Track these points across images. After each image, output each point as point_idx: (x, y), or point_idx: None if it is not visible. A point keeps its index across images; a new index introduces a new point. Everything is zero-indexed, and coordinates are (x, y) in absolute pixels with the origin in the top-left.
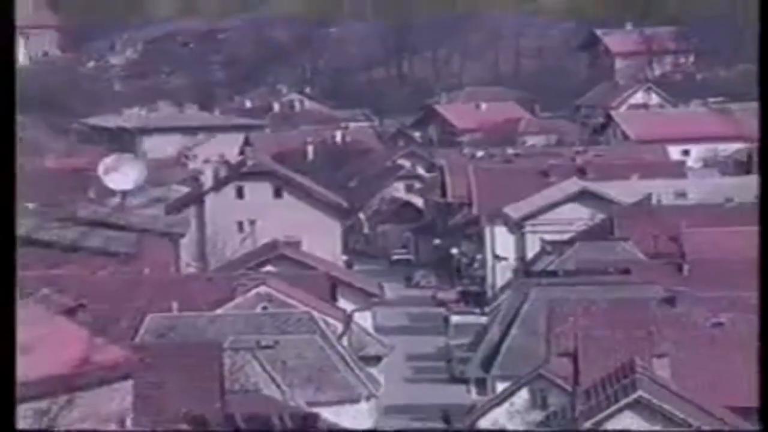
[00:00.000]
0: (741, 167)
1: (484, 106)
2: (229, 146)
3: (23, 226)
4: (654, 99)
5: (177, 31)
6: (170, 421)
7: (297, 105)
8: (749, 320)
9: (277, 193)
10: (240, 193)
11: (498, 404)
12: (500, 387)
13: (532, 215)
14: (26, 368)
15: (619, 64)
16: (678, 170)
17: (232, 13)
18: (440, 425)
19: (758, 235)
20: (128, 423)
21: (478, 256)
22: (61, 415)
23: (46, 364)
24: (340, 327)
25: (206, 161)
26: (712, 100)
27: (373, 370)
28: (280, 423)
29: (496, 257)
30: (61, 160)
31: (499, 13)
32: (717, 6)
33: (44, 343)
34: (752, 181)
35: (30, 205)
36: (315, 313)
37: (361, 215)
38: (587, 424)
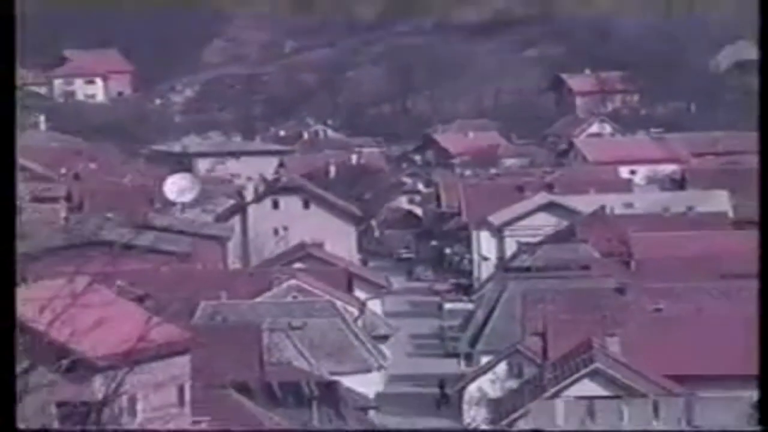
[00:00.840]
0: (676, 184)
1: (471, 134)
2: (267, 167)
3: (105, 231)
4: (607, 129)
5: (225, 76)
6: (220, 387)
7: (321, 134)
8: (683, 306)
9: (306, 205)
10: (275, 205)
11: (482, 373)
12: (484, 360)
13: (509, 222)
14: (99, 343)
15: (579, 101)
16: (626, 186)
17: (270, 61)
18: (436, 390)
19: (758, 235)
20: (186, 388)
21: (467, 255)
22: (125, 381)
23: (117, 341)
24: (355, 312)
25: (248, 179)
26: (653, 130)
27: (382, 347)
28: (308, 389)
29: (481, 256)
30: (133, 178)
31: (483, 58)
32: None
33: (117, 323)
34: (685, 194)
35: (110, 215)
36: (336, 301)
37: (373, 222)
38: (553, 390)
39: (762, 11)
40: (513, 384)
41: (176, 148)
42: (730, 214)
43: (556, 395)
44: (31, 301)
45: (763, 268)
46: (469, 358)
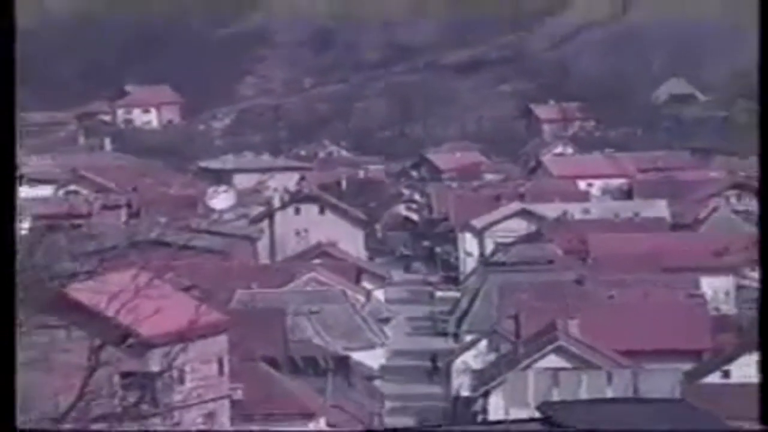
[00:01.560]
0: (624, 194)
1: (457, 154)
2: (290, 181)
3: (155, 232)
4: (569, 150)
5: (256, 106)
6: (252, 360)
7: (334, 153)
8: (631, 293)
9: (322, 211)
10: (297, 211)
11: (467, 349)
12: (468, 338)
13: (488, 226)
14: (155, 326)
15: (545, 127)
16: (584, 196)
17: (292, 94)
18: (429, 363)
19: (758, 236)
20: (225, 361)
21: (454, 253)
22: (178, 356)
23: (170, 323)
24: (363, 299)
25: (275, 190)
26: (606, 150)
27: (385, 327)
28: (323, 362)
29: (466, 253)
30: (181, 189)
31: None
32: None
33: (170, 310)
34: (632, 203)
35: (162, 219)
36: (346, 290)
37: (377, 226)
38: (525, 363)
39: (762, 11)
40: (492, 358)
41: (216, 165)
42: (668, 219)
43: (527, 367)
44: (99, 292)
45: (763, 268)
46: (456, 336)
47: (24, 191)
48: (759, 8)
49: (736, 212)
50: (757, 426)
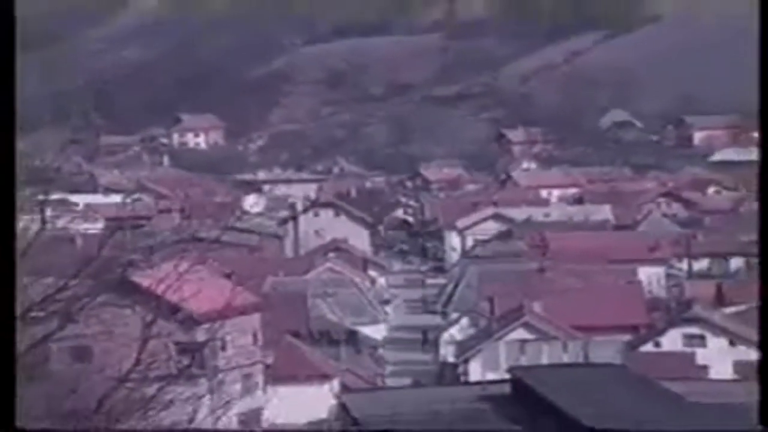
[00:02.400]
0: (577, 201)
1: (445, 169)
2: (310, 190)
3: (202, 231)
4: (533, 165)
5: (283, 131)
6: (281, 334)
7: (346, 168)
8: (581, 280)
9: (336, 214)
10: (316, 215)
11: (451, 325)
12: (454, 316)
13: (469, 226)
14: (200, 305)
15: (514, 147)
16: (545, 203)
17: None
18: (421, 336)
19: (758, 235)
20: (258, 334)
21: (441, 248)
22: (218, 331)
23: (211, 303)
24: (368, 284)
25: (298, 197)
26: (563, 166)
27: (386, 307)
28: (337, 334)
29: (451, 248)
30: (223, 197)
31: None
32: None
33: (213, 291)
34: (583, 208)
35: (208, 221)
36: (355, 278)
37: (380, 226)
38: (498, 335)
39: (762, 11)
40: (472, 332)
41: (251, 177)
42: (612, 221)
43: (499, 339)
44: (152, 277)
45: (763, 268)
46: (443, 314)
47: (100, 198)
48: (759, 8)
49: (665, 215)
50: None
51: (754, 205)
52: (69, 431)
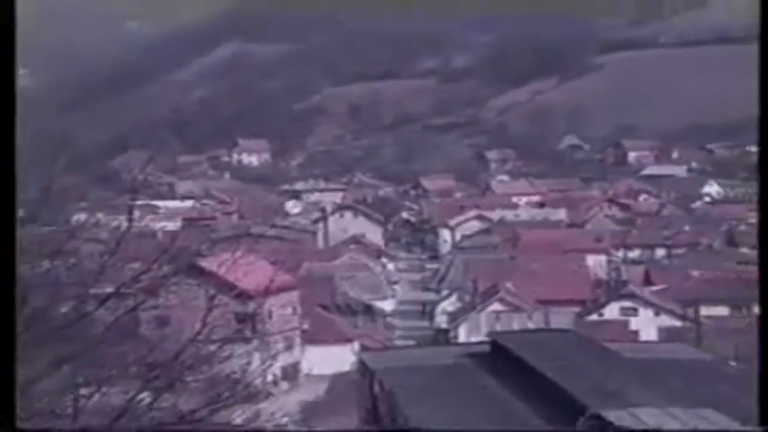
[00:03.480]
0: (540, 205)
1: (439, 180)
2: (336, 197)
3: (254, 228)
4: (506, 178)
5: (316, 152)
6: (313, 307)
7: (364, 180)
8: (543, 265)
9: (356, 216)
10: (341, 216)
11: (444, 299)
12: (445, 293)
13: (457, 225)
14: (251, 284)
15: (492, 164)
16: (515, 207)
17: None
18: (421, 308)
19: (758, 234)
20: (297, 308)
21: (436, 241)
22: (265, 304)
23: (260, 283)
24: (381, 269)
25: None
26: (529, 178)
27: (394, 286)
28: (357, 307)
29: (443, 241)
30: (270, 202)
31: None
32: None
33: (261, 273)
34: (544, 210)
35: (259, 220)
36: (370, 263)
37: (389, 225)
38: (479, 308)
39: (762, 11)
40: (459, 305)
41: (291, 187)
42: (566, 220)
43: (480, 311)
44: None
45: (763, 268)
46: (437, 292)
47: (177, 203)
48: (759, 8)
49: (607, 216)
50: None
51: (674, 209)
52: (69, 431)
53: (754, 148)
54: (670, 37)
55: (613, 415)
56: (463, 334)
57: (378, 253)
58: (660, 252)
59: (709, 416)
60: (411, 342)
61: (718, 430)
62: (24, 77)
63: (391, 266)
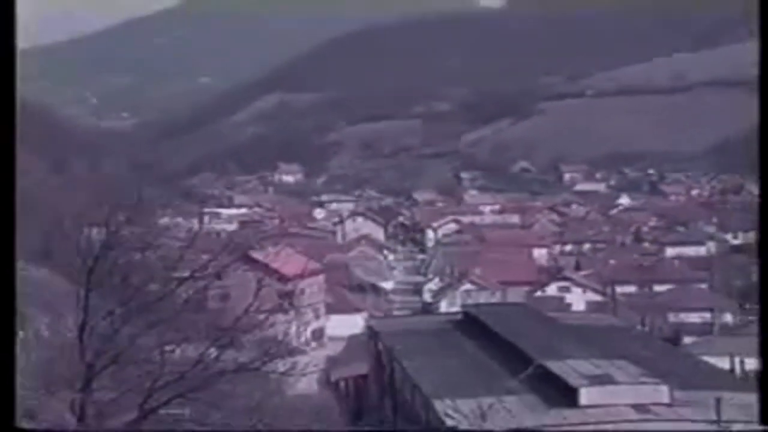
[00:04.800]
0: (500, 212)
1: (426, 194)
2: (350, 207)
3: (290, 229)
4: (475, 192)
5: (336, 174)
6: (334, 286)
7: (371, 194)
8: (503, 255)
9: (365, 220)
10: (354, 220)
11: (429, 281)
12: (430, 276)
13: (439, 226)
14: (289, 270)
15: (465, 182)
16: (482, 213)
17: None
18: (413, 288)
19: (758, 234)
20: (322, 287)
21: (424, 238)
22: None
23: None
24: (383, 258)
25: (344, 210)
26: (492, 192)
27: (393, 271)
28: (366, 287)
29: (429, 239)
30: (302, 210)
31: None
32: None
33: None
34: (502, 217)
35: (294, 223)
36: (375, 255)
37: (389, 227)
38: (455, 287)
39: (762, 11)
40: (441, 285)
41: (317, 199)
42: (519, 223)
43: (455, 289)
44: (265, 255)
45: (763, 269)
46: (425, 275)
47: (234, 211)
48: (759, 8)
49: (548, 220)
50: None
51: (596, 215)
52: (69, 431)
53: (652, 171)
54: (594, 90)
55: (552, 365)
56: (443, 307)
57: (381, 247)
58: (586, 246)
59: (622, 366)
60: (406, 312)
61: (720, 430)
62: (124, 120)
63: (390, 257)
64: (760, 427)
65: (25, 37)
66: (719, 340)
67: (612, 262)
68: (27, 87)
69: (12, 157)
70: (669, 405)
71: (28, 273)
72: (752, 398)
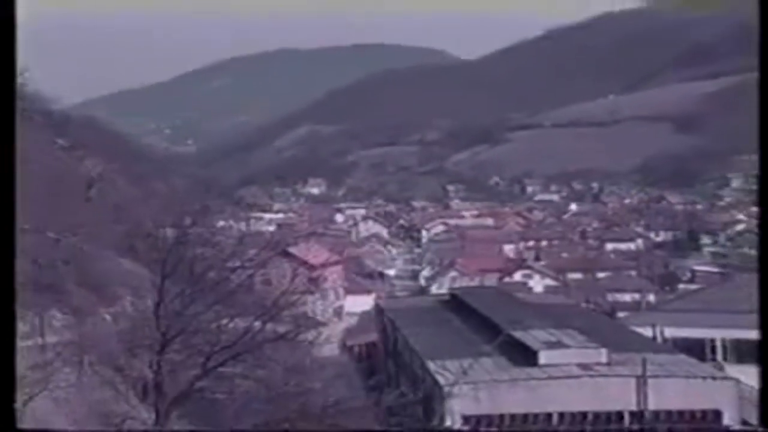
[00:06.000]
0: (477, 216)
1: (421, 203)
2: (362, 212)
3: (317, 229)
4: (458, 200)
5: (352, 187)
6: (350, 273)
7: (379, 203)
8: (479, 250)
9: (374, 222)
10: (365, 222)
11: (423, 269)
12: (425, 265)
13: (430, 227)
14: (316, 261)
15: (450, 194)
16: (463, 217)
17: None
18: (411, 274)
19: (759, 235)
20: (341, 274)
21: (419, 236)
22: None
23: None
24: (387, 252)
25: (358, 215)
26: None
27: (396, 261)
28: (374, 273)
29: (423, 237)
30: (325, 214)
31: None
32: None
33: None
34: (480, 220)
35: (320, 225)
36: (381, 249)
37: (393, 228)
38: (443, 275)
39: (762, 11)
40: (432, 272)
41: (338, 206)
42: (492, 225)
43: (443, 276)
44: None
45: (763, 269)
46: (420, 265)
47: (274, 215)
48: (759, 8)
49: (515, 223)
50: (760, 428)
51: (552, 219)
52: (69, 431)
53: (594, 184)
54: (550, 122)
55: (517, 334)
56: (434, 289)
57: (386, 243)
58: (544, 243)
59: (571, 334)
60: (405, 293)
61: (721, 430)
62: (189, 146)
63: (393, 251)
64: (761, 429)
65: (130, 80)
66: (645, 314)
67: (564, 255)
68: (121, 121)
69: (12, 157)
70: (607, 364)
71: (118, 264)
72: (668, 358)
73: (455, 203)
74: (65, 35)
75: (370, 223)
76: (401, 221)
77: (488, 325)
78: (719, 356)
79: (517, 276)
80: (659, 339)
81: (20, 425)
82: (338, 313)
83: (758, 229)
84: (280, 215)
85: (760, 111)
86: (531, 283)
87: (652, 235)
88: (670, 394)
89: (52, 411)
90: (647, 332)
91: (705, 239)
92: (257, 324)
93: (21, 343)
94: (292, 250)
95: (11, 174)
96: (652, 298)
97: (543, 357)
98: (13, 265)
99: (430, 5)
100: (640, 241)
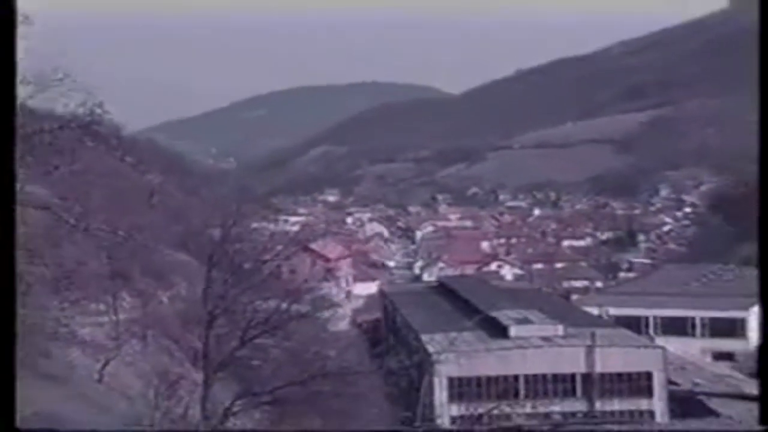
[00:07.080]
0: (461, 219)
1: (416, 208)
2: (368, 215)
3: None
4: (446, 206)
5: (361, 194)
6: (358, 264)
7: (382, 208)
8: (462, 245)
9: (378, 223)
10: (371, 223)
11: (417, 261)
12: (418, 258)
13: (423, 228)
14: (331, 254)
15: (440, 201)
16: (450, 219)
17: (372, 190)
18: (407, 265)
19: (758, 233)
20: (351, 264)
21: (414, 235)
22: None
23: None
24: (388, 248)
25: (365, 217)
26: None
27: (395, 255)
28: (378, 264)
29: (417, 236)
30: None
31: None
32: None
33: (336, 250)
34: (462, 222)
35: (334, 226)
36: (384, 245)
37: (392, 228)
38: (433, 265)
39: (762, 11)
40: (424, 264)
41: (350, 210)
42: (472, 226)
43: (433, 266)
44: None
45: (763, 269)
46: (414, 258)
47: (297, 218)
48: (759, 8)
49: (490, 224)
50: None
51: (519, 221)
52: (69, 431)
53: (553, 193)
54: (519, 144)
55: (492, 313)
56: (426, 277)
57: (387, 241)
58: (513, 240)
59: (535, 313)
60: (403, 280)
61: (721, 429)
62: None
63: (393, 246)
64: (761, 428)
65: (189, 108)
66: (593, 296)
67: (529, 250)
68: (176, 143)
69: (12, 159)
70: (563, 336)
71: (174, 257)
72: (611, 332)
73: (442, 208)
74: (138, 83)
75: (375, 224)
76: (399, 223)
77: (469, 306)
78: (651, 330)
79: (492, 266)
80: (605, 316)
81: (100, 383)
82: (349, 296)
83: (758, 229)
84: (302, 218)
85: (760, 111)
86: (503, 272)
87: (599, 234)
88: (613, 359)
89: (123, 372)
90: (595, 311)
91: (640, 237)
92: (284, 305)
93: (99, 319)
94: (312, 245)
95: (11, 174)
96: (599, 284)
97: (512, 331)
98: (14, 265)
99: (419, 46)
100: (589, 239)
